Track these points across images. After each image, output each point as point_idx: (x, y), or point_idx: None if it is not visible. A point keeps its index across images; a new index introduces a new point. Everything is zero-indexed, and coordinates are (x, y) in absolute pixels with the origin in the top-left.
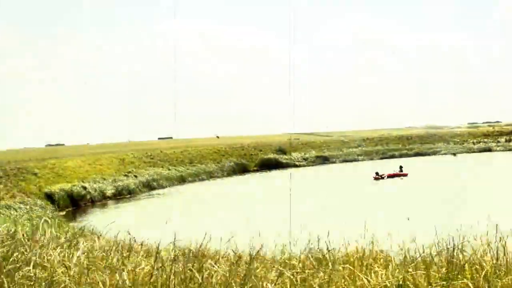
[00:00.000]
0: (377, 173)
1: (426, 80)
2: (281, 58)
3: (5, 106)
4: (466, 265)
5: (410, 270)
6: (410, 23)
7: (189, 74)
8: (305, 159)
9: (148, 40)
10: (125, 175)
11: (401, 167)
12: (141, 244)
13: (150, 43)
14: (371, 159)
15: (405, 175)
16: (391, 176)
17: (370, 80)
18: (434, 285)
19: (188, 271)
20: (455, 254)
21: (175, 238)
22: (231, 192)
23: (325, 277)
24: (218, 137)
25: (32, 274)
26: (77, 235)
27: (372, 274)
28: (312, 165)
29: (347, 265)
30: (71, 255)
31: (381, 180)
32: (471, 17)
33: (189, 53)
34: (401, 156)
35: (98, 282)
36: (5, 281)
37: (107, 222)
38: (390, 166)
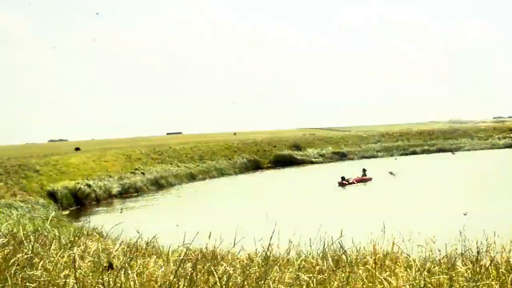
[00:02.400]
0: (343, 178)
1: (450, 71)
2: (295, 48)
3: (6, 100)
4: (492, 266)
5: (433, 272)
6: (433, 10)
7: (198, 65)
8: (322, 155)
9: (156, 29)
10: (132, 172)
11: (364, 170)
12: (149, 245)
13: (158, 32)
14: (391, 155)
15: (370, 179)
16: (357, 181)
17: (390, 71)
18: (458, 287)
19: (199, 273)
20: (480, 255)
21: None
22: (240, 190)
23: (343, 280)
24: (235, 133)
25: (34, 277)
26: (82, 235)
27: (393, 276)
28: (329, 162)
29: (366, 267)
30: (75, 257)
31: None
32: (497, 4)
33: (198, 43)
34: (422, 152)
35: (104, 285)
36: (6, 284)
37: (113, 222)
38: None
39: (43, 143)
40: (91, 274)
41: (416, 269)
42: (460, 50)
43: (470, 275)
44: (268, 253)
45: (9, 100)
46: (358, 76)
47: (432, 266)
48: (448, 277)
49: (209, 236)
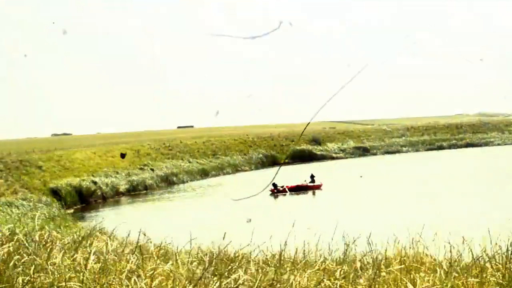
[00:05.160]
0: (274, 185)
1: (478, 61)
2: (315, 37)
3: (6, 92)
4: None
5: (461, 275)
6: None
7: (211, 54)
8: (343, 151)
9: (166, 17)
10: (141, 169)
11: (312, 176)
12: (159, 246)
13: (169, 20)
14: (417, 150)
15: (318, 187)
16: (295, 188)
17: (415, 61)
18: None
19: (211, 276)
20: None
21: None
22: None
23: (366, 283)
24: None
25: (35, 280)
26: (87, 236)
27: (418, 280)
28: (351, 157)
29: (390, 270)
30: (79, 258)
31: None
32: None
33: (212, 31)
34: (450, 147)
35: None
36: None
37: (120, 221)
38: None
39: (45, 137)
40: (97, 277)
41: (443, 272)
42: (489, 39)
43: (501, 279)
44: (285, 255)
45: (10, 92)
46: (381, 66)
47: (460, 268)
48: (477, 280)
49: (224, 237)
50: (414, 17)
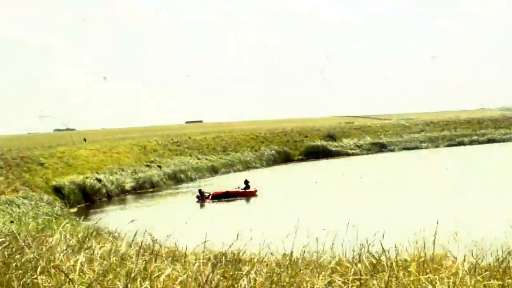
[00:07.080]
0: (200, 191)
1: (502, 52)
2: (330, 26)
3: (7, 86)
4: None
5: (483, 277)
6: None
7: (221, 45)
8: (359, 147)
9: (175, 9)
10: (147, 165)
11: (246, 181)
12: (166, 247)
13: (177, 11)
14: (437, 146)
15: (253, 193)
16: (222, 195)
17: (435, 53)
18: None
19: (221, 278)
20: None
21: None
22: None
23: (382, 285)
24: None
25: (37, 282)
26: (91, 236)
27: (438, 282)
28: (367, 153)
29: (407, 271)
30: (83, 260)
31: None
32: None
33: (222, 20)
34: (471, 143)
35: None
36: None
37: (125, 221)
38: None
39: (48, 132)
40: (101, 279)
41: (464, 274)
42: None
43: None
44: (298, 255)
45: (10, 85)
46: (400, 58)
47: (483, 270)
48: (500, 283)
49: (237, 237)
50: (436, 4)
